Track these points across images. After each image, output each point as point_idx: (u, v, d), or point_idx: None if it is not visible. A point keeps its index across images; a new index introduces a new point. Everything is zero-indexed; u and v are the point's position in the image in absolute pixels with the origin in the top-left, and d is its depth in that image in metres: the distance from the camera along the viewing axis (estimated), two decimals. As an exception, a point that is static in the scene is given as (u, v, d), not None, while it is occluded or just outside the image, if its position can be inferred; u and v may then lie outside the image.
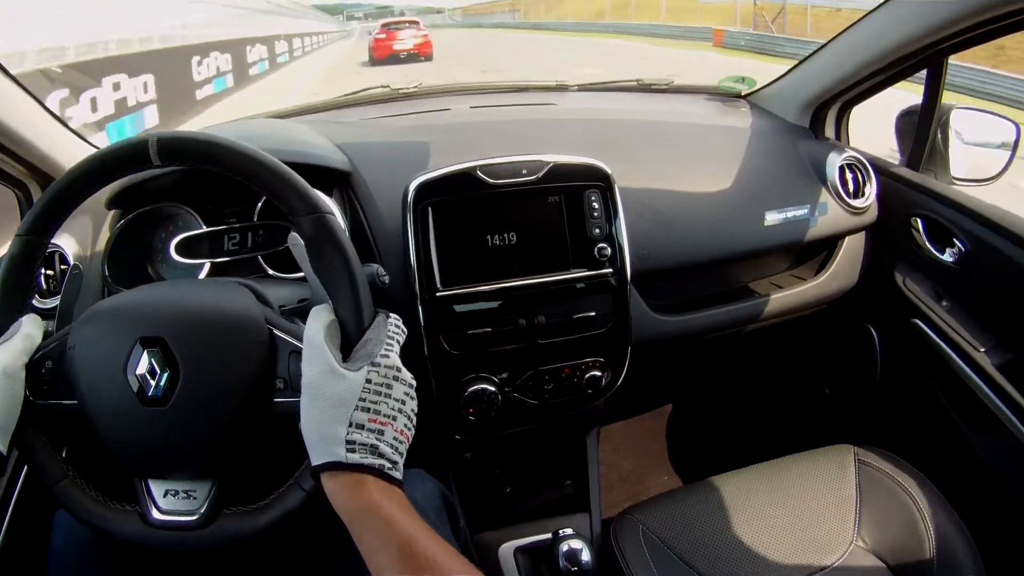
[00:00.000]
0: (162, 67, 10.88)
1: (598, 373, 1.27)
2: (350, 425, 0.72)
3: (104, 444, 0.81)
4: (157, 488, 0.83)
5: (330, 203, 1.23)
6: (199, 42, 13.58)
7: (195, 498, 0.82)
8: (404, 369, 0.78)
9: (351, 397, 0.73)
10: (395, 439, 0.75)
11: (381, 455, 0.73)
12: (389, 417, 0.74)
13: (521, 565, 1.35)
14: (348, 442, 0.71)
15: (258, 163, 0.81)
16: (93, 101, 8.48)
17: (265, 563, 0.85)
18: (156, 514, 0.82)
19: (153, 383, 0.78)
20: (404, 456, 0.76)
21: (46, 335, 0.87)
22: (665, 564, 1.21)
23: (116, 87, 9.21)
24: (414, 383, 0.79)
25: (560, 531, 1.23)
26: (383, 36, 22.32)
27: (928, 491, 1.27)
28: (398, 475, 0.74)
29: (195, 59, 12.92)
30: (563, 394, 1.27)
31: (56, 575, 1.12)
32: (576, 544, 1.21)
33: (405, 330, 0.84)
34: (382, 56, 21.59)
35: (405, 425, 0.77)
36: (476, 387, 1.21)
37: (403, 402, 0.77)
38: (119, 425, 0.80)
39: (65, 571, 1.12)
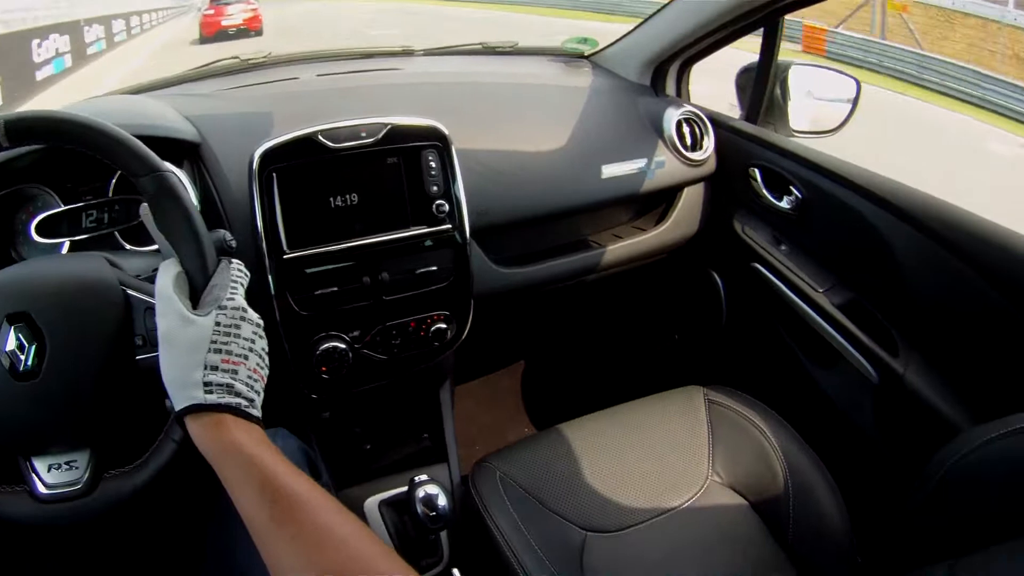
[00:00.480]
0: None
1: (443, 326, 1.31)
2: (205, 368, 0.74)
3: None
4: (40, 464, 0.83)
5: (181, 174, 1.24)
6: (36, 25, 13.82)
7: (77, 467, 0.83)
8: (250, 310, 0.81)
9: (203, 340, 0.75)
10: (249, 377, 0.77)
11: (237, 393, 0.75)
12: (240, 356, 0.77)
13: (386, 517, 1.37)
14: (205, 384, 0.74)
15: (98, 131, 0.82)
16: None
17: (146, 521, 0.86)
18: (43, 489, 0.82)
19: (23, 357, 0.79)
20: (261, 395, 0.79)
21: None
22: (522, 505, 1.25)
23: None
24: (261, 322, 0.82)
25: (415, 478, 1.26)
26: (211, 12, 21.49)
27: (778, 425, 1.34)
28: (256, 412, 0.77)
29: (35, 42, 13.35)
30: (411, 348, 1.31)
31: None
32: (432, 489, 1.23)
33: (247, 273, 0.86)
34: (211, 33, 20.89)
35: (257, 364, 0.79)
36: (327, 345, 1.23)
37: (252, 341, 0.79)
38: None
39: None
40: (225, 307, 0.78)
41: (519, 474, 1.30)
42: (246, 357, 0.78)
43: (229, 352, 0.76)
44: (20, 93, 11.59)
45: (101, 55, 18.67)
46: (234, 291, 0.81)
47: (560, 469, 1.31)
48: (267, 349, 0.82)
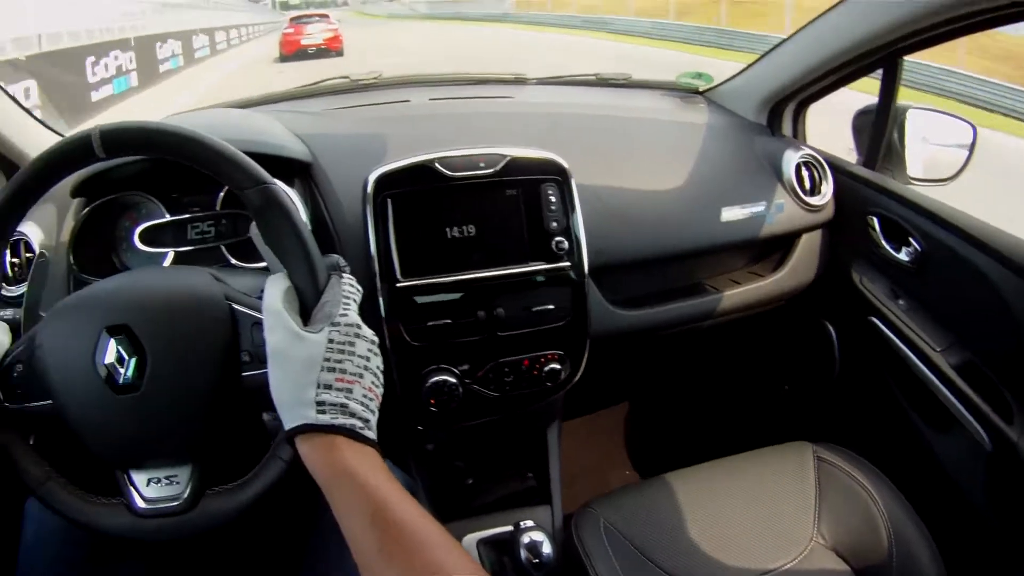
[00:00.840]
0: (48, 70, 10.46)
1: (557, 366, 1.27)
2: (318, 386, 0.72)
3: (82, 439, 0.81)
4: (140, 478, 0.82)
5: (292, 193, 1.23)
6: (94, 42, 13.27)
7: (178, 483, 0.82)
8: (364, 326, 0.78)
9: (316, 358, 0.73)
10: (364, 396, 0.75)
11: (352, 414, 0.72)
12: (355, 375, 0.74)
13: (484, 556, 1.33)
14: (318, 403, 0.71)
15: (200, 144, 0.81)
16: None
17: (241, 538, 0.85)
18: (141, 504, 0.82)
19: (122, 370, 0.78)
20: (376, 415, 0.76)
21: (13, 331, 0.87)
22: (624, 556, 1.21)
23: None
24: (376, 340, 0.79)
25: (521, 523, 1.23)
26: (291, 31, 21.54)
27: (886, 488, 1.28)
28: (371, 434, 0.74)
29: (90, 59, 12.42)
30: (523, 386, 1.27)
31: (28, 565, 1.11)
32: (537, 536, 1.21)
33: (360, 289, 0.84)
34: (290, 52, 20.94)
35: (372, 382, 0.77)
36: (437, 378, 1.21)
37: (367, 359, 0.77)
38: (94, 418, 0.80)
39: (38, 560, 1.12)
40: (339, 323, 0.76)
41: (623, 523, 1.27)
42: (361, 376, 0.75)
43: (344, 371, 0.74)
44: (69, 116, 10.34)
45: (176, 72, 18.40)
46: (347, 307, 0.78)
47: (664, 521, 1.27)
48: (382, 368, 0.80)
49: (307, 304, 0.79)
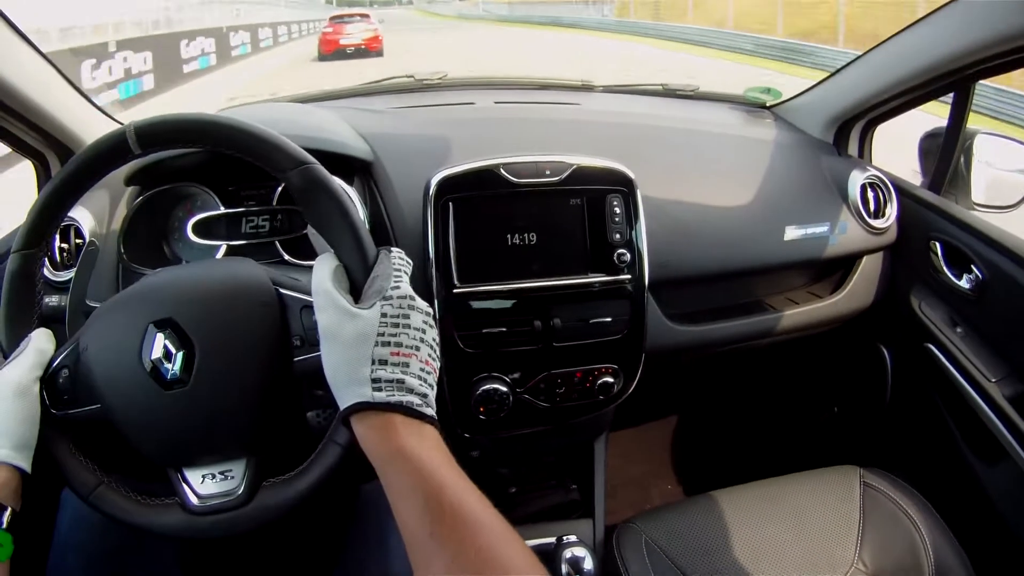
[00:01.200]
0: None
1: (611, 379, 1.25)
2: (373, 363, 0.70)
3: (133, 440, 0.80)
4: (193, 475, 0.81)
5: (351, 191, 1.22)
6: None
7: (233, 477, 0.81)
8: (418, 298, 0.77)
9: (370, 334, 0.71)
10: (422, 369, 0.73)
11: (410, 389, 0.70)
12: (411, 348, 0.72)
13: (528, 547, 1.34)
14: (374, 380, 0.69)
15: (235, 129, 0.80)
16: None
17: (278, 527, 0.84)
18: (195, 501, 0.80)
19: (169, 365, 0.76)
20: (434, 389, 0.74)
21: (58, 319, 0.87)
22: (665, 574, 1.20)
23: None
24: (431, 311, 0.78)
25: (564, 537, 1.23)
26: (330, 30, 20.94)
27: (932, 519, 1.27)
28: (429, 411, 0.72)
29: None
30: (574, 398, 1.26)
31: (62, 552, 1.12)
32: (579, 552, 1.21)
33: (410, 261, 0.82)
34: (329, 51, 20.41)
35: (429, 355, 0.75)
36: (488, 386, 1.20)
37: (423, 331, 0.75)
38: (144, 417, 0.79)
39: (71, 548, 1.12)
40: (391, 297, 0.74)
41: (665, 541, 1.26)
42: (417, 348, 0.73)
43: (399, 344, 0.72)
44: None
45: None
46: (398, 279, 0.76)
47: (706, 541, 1.26)
48: (438, 340, 0.77)
49: (357, 281, 0.78)
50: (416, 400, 0.71)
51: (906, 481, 1.35)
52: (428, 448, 0.69)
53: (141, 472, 0.87)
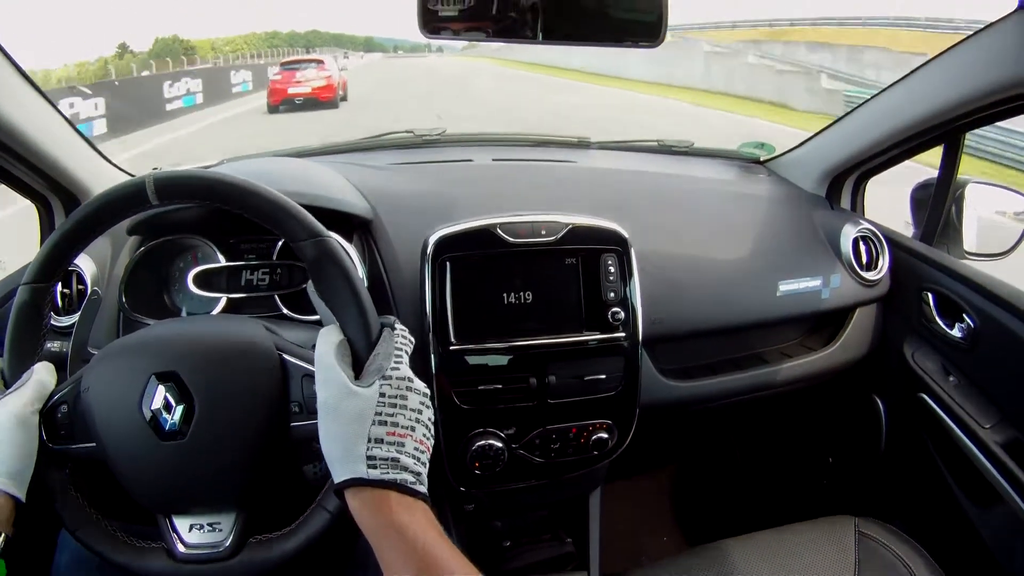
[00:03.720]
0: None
1: (605, 435, 1.26)
2: (369, 440, 0.71)
3: (125, 483, 0.81)
4: (181, 523, 0.83)
5: (350, 249, 1.23)
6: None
7: (220, 530, 0.82)
8: (416, 379, 0.78)
9: (367, 412, 0.72)
10: (416, 449, 0.74)
11: (404, 468, 0.72)
12: (407, 428, 0.74)
13: (520, 619, 1.33)
14: (369, 458, 0.71)
15: (254, 195, 0.81)
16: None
17: None
18: (182, 549, 0.82)
19: (169, 417, 0.78)
20: (427, 467, 0.75)
21: (59, 365, 0.87)
22: None
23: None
24: (427, 392, 0.79)
25: None
26: (279, 78, 18.38)
27: (928, 566, 1.26)
28: (422, 488, 0.73)
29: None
30: (569, 454, 1.26)
31: None
32: (573, 605, 1.20)
33: (412, 340, 0.83)
34: (276, 102, 17.77)
35: (424, 435, 0.76)
36: (483, 442, 1.20)
37: (419, 412, 0.76)
38: (138, 463, 0.80)
39: None
40: (390, 377, 0.75)
41: None
42: (413, 428, 0.75)
43: (395, 424, 0.73)
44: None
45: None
46: (399, 360, 0.78)
47: None
48: (433, 420, 0.79)
49: (359, 357, 0.79)
50: (410, 478, 0.72)
51: (902, 529, 1.35)
52: (420, 524, 0.70)
53: (132, 514, 0.87)
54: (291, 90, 17.76)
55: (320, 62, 18.96)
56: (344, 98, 18.74)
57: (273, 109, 17.72)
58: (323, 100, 17.74)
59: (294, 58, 20.08)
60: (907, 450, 1.60)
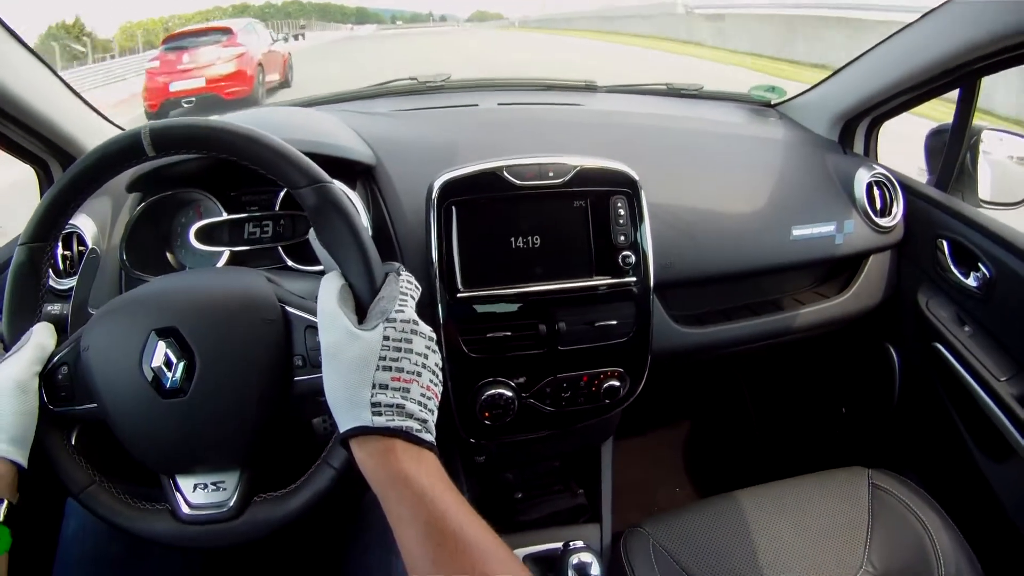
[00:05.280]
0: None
1: (616, 383, 1.24)
2: (373, 386, 0.69)
3: (127, 444, 0.80)
4: (185, 483, 0.82)
5: (354, 196, 1.21)
6: None
7: (224, 489, 0.81)
8: (421, 322, 0.76)
9: (371, 357, 0.70)
10: (422, 395, 0.72)
11: (409, 415, 0.70)
12: (413, 373, 0.72)
13: (531, 572, 1.32)
14: (373, 404, 0.69)
15: (253, 141, 0.80)
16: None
17: (282, 537, 0.84)
18: (186, 509, 0.81)
19: (170, 374, 0.76)
20: (435, 414, 0.74)
21: (60, 327, 0.86)
22: None
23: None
24: (434, 336, 0.77)
25: (570, 543, 1.22)
26: (156, 66, 11.32)
27: (940, 519, 1.26)
28: (429, 437, 0.71)
29: None
30: (580, 402, 1.25)
31: (66, 562, 1.11)
32: (586, 557, 1.19)
33: (419, 286, 0.82)
34: (155, 106, 11.01)
35: (431, 380, 0.74)
36: (493, 391, 1.19)
37: (425, 356, 0.74)
38: (140, 422, 0.79)
39: (75, 558, 1.12)
40: (394, 320, 0.73)
41: (672, 545, 1.25)
42: (419, 374, 0.73)
43: (400, 369, 0.71)
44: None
45: None
46: (403, 303, 0.76)
47: (715, 545, 1.25)
48: (440, 365, 0.77)
49: (363, 303, 0.78)
50: (416, 426, 0.70)
51: (914, 481, 1.35)
52: (428, 474, 0.68)
53: (135, 475, 0.86)
54: (174, 86, 10.96)
55: (225, 32, 11.76)
56: (286, 84, 13.34)
57: (151, 115, 10.90)
58: (229, 98, 11.05)
59: (182, 30, 12.33)
60: (921, 401, 1.59)
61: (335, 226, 0.79)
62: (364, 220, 1.19)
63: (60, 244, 1.16)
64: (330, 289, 0.76)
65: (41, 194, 1.38)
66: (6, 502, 0.73)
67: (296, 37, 25.15)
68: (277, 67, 13.09)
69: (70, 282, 1.16)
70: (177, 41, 11.56)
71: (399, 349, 0.72)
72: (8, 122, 1.21)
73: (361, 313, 0.76)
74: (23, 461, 0.75)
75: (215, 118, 0.85)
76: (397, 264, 0.83)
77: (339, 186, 0.81)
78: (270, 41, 13.27)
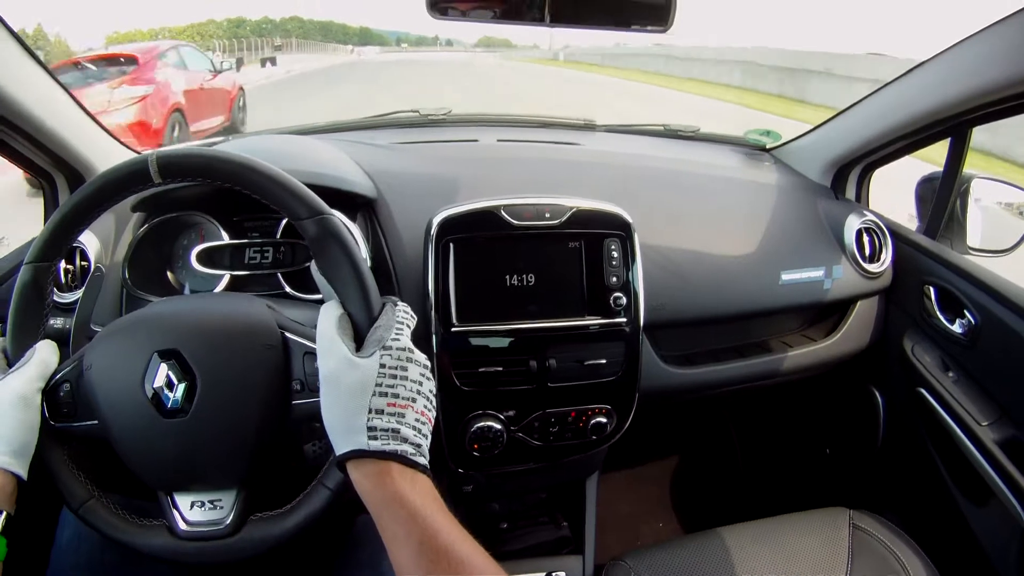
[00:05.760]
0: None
1: (604, 420, 1.26)
2: (369, 412, 0.71)
3: (127, 461, 0.82)
4: (183, 500, 0.83)
5: (353, 228, 1.23)
6: None
7: (221, 507, 0.83)
8: (417, 350, 0.78)
9: (368, 384, 0.72)
10: (417, 421, 0.74)
11: (404, 439, 0.72)
12: (408, 400, 0.74)
13: (518, 596, 1.34)
14: (369, 429, 0.71)
15: (257, 173, 0.82)
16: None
17: (274, 553, 0.86)
18: (183, 526, 0.82)
19: (171, 395, 0.78)
20: (428, 439, 0.76)
21: (62, 341, 0.87)
22: None
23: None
24: (428, 364, 0.79)
25: (553, 574, 1.24)
26: None
27: (920, 560, 1.27)
28: (423, 460, 0.73)
29: None
30: (568, 437, 1.27)
31: (60, 570, 1.12)
32: (567, 589, 1.21)
33: (414, 315, 0.84)
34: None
35: (425, 406, 0.76)
36: (482, 424, 1.21)
37: (420, 383, 0.76)
38: (140, 441, 0.80)
39: (69, 566, 1.13)
40: (390, 347, 0.75)
41: None
42: (413, 400, 0.75)
43: (396, 395, 0.73)
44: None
45: None
46: (399, 332, 0.78)
47: None
48: (434, 391, 0.79)
49: (361, 331, 0.80)
50: (410, 450, 0.72)
51: (895, 523, 1.36)
52: (422, 495, 0.71)
53: (133, 491, 0.88)
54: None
55: (129, 62, 8.16)
56: (232, 128, 10.08)
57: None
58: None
59: (68, 60, 9.07)
60: (904, 444, 1.60)
61: (335, 257, 0.81)
62: (363, 252, 1.21)
63: (63, 259, 1.19)
64: (329, 317, 0.78)
65: (46, 208, 1.40)
66: (5, 513, 0.75)
67: (266, 63, 22.67)
68: (217, 106, 9.87)
69: (72, 296, 1.19)
70: (63, 74, 7.76)
71: (395, 376, 0.74)
72: (18, 135, 1.23)
73: (359, 341, 0.78)
74: (23, 473, 0.77)
75: (221, 147, 0.87)
76: (394, 298, 0.85)
77: (340, 218, 0.83)
78: (208, 72, 9.84)
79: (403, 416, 0.73)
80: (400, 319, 0.80)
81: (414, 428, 0.74)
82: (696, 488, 2.25)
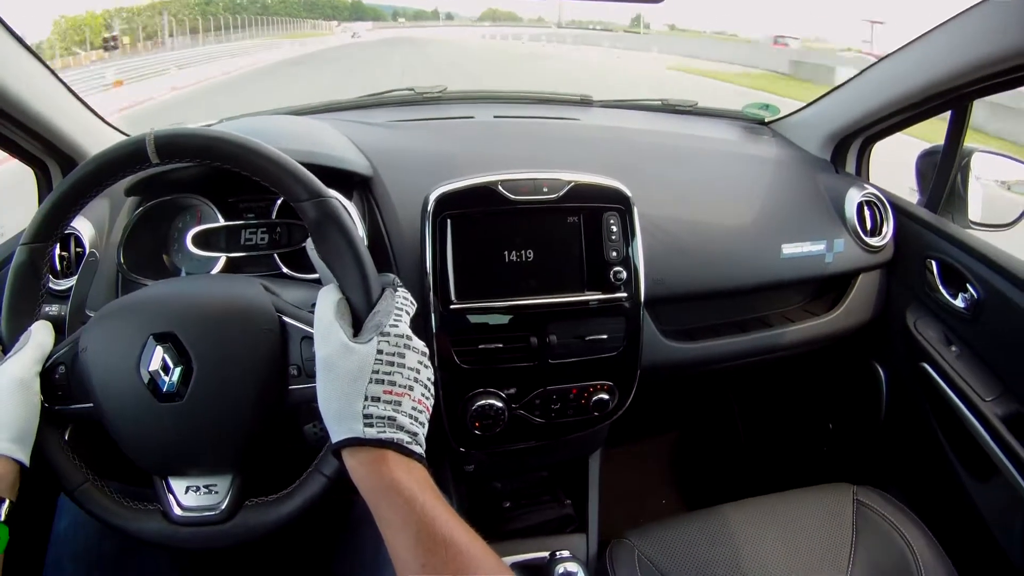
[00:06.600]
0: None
1: (605, 396, 1.25)
2: (366, 399, 0.71)
3: (122, 444, 0.81)
4: (178, 485, 0.83)
5: (350, 207, 1.22)
6: None
7: (217, 492, 0.82)
8: (415, 337, 0.77)
9: (364, 370, 0.72)
10: (414, 409, 0.74)
11: (400, 427, 0.71)
12: (405, 387, 0.73)
13: (518, 579, 1.33)
14: (365, 416, 0.70)
15: (257, 154, 0.81)
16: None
17: (272, 539, 0.86)
18: (178, 511, 0.82)
19: (166, 378, 0.78)
20: (425, 427, 0.75)
21: (58, 328, 0.86)
22: None
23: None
24: (426, 351, 0.78)
25: (557, 552, 1.23)
26: None
27: (923, 536, 1.27)
28: (419, 449, 0.73)
29: None
30: (569, 414, 1.26)
31: (58, 558, 1.12)
32: (572, 567, 1.20)
33: (414, 302, 0.83)
34: None
35: (422, 395, 0.75)
36: (483, 402, 1.20)
37: (418, 371, 0.75)
38: (136, 424, 0.80)
39: (67, 554, 1.13)
40: (388, 334, 0.74)
41: (658, 556, 1.26)
42: (410, 388, 0.74)
43: (392, 383, 0.73)
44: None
45: None
46: (398, 318, 0.77)
47: (699, 557, 1.26)
48: (432, 379, 0.78)
49: (359, 316, 0.79)
50: (406, 438, 0.72)
51: (899, 498, 1.36)
52: (418, 483, 0.70)
53: (129, 475, 0.87)
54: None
55: None
56: None
57: None
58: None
59: None
60: (907, 419, 1.60)
61: (334, 240, 0.80)
62: (360, 232, 1.20)
63: (58, 245, 1.17)
64: (327, 302, 0.77)
65: (40, 194, 1.39)
66: (7, 501, 0.74)
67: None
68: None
69: (67, 283, 1.17)
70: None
71: (392, 363, 0.73)
72: (8, 122, 1.22)
73: (357, 326, 0.78)
74: (25, 459, 0.76)
75: (218, 127, 0.86)
76: (393, 276, 0.84)
77: (338, 198, 0.82)
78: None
79: (400, 404, 0.72)
80: (399, 305, 0.79)
81: (410, 416, 0.73)
82: (699, 464, 2.25)
